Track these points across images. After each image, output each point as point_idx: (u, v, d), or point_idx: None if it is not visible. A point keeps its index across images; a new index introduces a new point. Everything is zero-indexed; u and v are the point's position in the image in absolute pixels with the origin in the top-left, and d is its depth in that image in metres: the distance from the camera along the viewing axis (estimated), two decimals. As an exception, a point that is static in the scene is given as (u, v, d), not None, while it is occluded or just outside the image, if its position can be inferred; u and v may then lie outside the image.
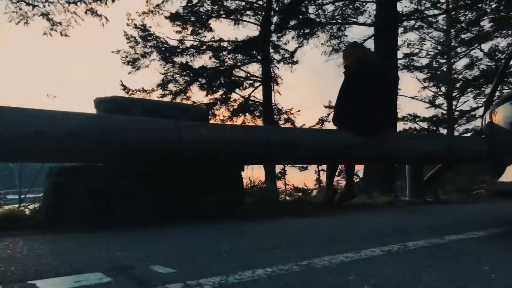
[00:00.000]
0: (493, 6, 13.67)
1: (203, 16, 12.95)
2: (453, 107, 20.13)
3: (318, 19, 12.42)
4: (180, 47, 13.12)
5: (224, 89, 13.25)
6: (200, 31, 13.13)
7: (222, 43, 13.16)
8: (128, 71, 12.86)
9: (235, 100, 13.75)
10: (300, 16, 12.01)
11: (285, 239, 2.06)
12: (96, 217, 2.76)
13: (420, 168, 4.76)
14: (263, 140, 3.31)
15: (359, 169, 10.69)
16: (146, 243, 1.99)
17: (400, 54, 17.14)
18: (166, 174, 3.11)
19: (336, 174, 4.67)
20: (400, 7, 12.32)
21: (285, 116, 14.42)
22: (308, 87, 44.23)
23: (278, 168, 16.64)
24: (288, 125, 14.02)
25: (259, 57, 13.23)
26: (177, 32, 13.01)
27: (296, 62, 13.77)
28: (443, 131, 19.79)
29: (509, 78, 14.83)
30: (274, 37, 13.15)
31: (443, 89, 20.18)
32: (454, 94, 19.84)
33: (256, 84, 13.67)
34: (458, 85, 19.22)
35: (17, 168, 6.41)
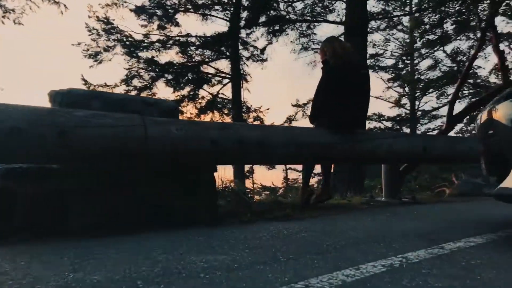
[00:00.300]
0: (456, 8, 14.02)
1: (170, 10, 12.50)
2: (416, 107, 20.68)
3: (288, 16, 12.28)
4: (145, 41, 12.61)
5: (191, 85, 12.86)
6: (166, 25, 12.68)
7: (189, 38, 12.76)
8: (90, 65, 12.24)
9: (203, 97, 13.40)
10: (270, 13, 11.81)
11: (266, 252, 1.81)
12: (48, 226, 2.42)
13: (396, 168, 4.66)
14: (237, 138, 3.05)
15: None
16: (103, 260, 1.68)
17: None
18: (129, 176, 2.80)
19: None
20: (367, 6, 12.40)
21: (254, 114, 14.21)
22: (277, 85, 44.26)
23: (246, 166, 16.44)
24: (257, 123, 13.80)
25: (228, 54, 12.93)
26: (142, 26, 12.49)
27: (266, 60, 13.57)
28: (406, 130, 20.27)
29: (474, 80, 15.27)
30: (243, 34, 12.89)
31: (406, 89, 20.65)
32: (417, 94, 20.36)
33: (225, 81, 13.37)
34: (420, 85, 19.70)
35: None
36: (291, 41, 13.13)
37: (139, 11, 12.24)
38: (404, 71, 20.07)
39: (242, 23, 12.53)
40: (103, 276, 1.41)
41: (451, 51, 17.38)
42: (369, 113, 19.09)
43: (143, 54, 12.51)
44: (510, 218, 3.02)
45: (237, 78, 12.83)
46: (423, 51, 19.11)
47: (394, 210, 3.77)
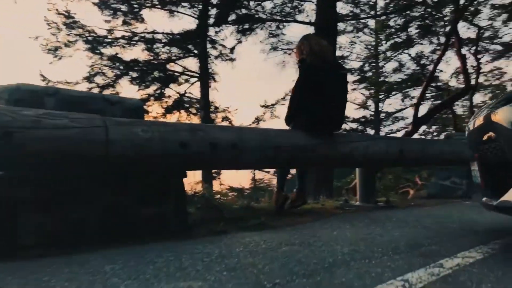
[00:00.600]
0: (420, 13, 14.32)
1: (135, 6, 12.02)
2: (380, 109, 21.10)
3: (257, 16, 12.10)
4: (109, 37, 12.06)
5: (158, 84, 12.42)
6: (131, 21, 12.17)
7: (156, 35, 12.31)
8: (50, 60, 11.56)
9: (169, 96, 12.97)
10: (240, 11, 11.58)
11: (248, 275, 1.59)
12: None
13: (371, 171, 4.55)
14: (209, 141, 2.80)
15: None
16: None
17: (333, 56, 17.40)
18: (90, 184, 2.49)
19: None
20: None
21: (222, 114, 13.90)
22: (245, 85, 44.04)
23: (214, 168, 16.09)
24: (226, 123, 13.52)
25: (196, 52, 12.58)
26: (106, 21, 11.93)
27: (235, 59, 13.32)
28: (371, 131, 20.62)
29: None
30: (212, 32, 12.59)
31: (372, 91, 20.99)
32: (381, 96, 20.73)
33: (192, 80, 13.01)
34: (384, 87, 20.08)
35: None
36: (260, 41, 12.99)
37: (102, 5, 11.69)
38: (370, 73, 20.38)
39: (211, 20, 12.23)
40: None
41: (415, 55, 17.78)
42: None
43: (107, 51, 11.97)
44: (490, 224, 2.94)
45: (206, 77, 12.51)
46: (388, 53, 19.46)
47: (371, 215, 3.64)
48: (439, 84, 18.56)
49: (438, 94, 17.76)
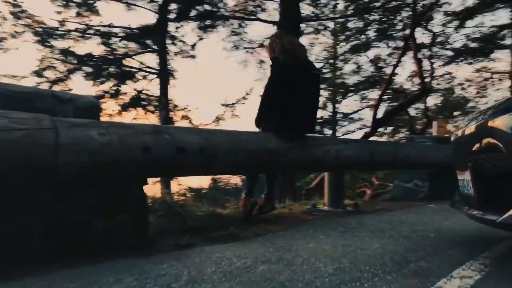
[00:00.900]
0: (377, 17, 14.65)
1: (90, -3, 11.36)
2: (336, 110, 21.49)
3: (219, 12, 11.81)
4: (61, 29, 11.32)
5: (113, 80, 11.81)
6: (85, 13, 11.49)
7: (112, 29, 11.70)
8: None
9: (126, 93, 12.39)
10: (201, 7, 11.25)
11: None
12: None
13: (340, 175, 4.44)
14: (175, 144, 2.53)
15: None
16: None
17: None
18: (35, 194, 2.16)
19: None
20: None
21: (182, 112, 13.45)
22: (205, 83, 43.40)
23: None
24: (186, 122, 13.11)
25: (154, 48, 12.09)
26: (58, 12, 11.18)
27: (195, 56, 12.94)
28: (328, 132, 20.93)
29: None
30: (172, 27, 12.15)
31: (330, 92, 21.29)
32: (338, 98, 21.10)
33: (150, 76, 12.50)
34: (341, 90, 20.43)
35: None
36: (222, 39, 12.70)
37: (53, -5, 10.93)
38: (329, 75, 20.64)
39: (172, 16, 11.79)
40: None
41: (373, 57, 18.18)
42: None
43: (59, 44, 11.23)
44: (467, 232, 2.89)
45: (165, 74, 12.05)
46: (347, 56, 19.77)
47: (342, 222, 3.51)
48: (395, 86, 19.12)
49: (395, 96, 18.27)
